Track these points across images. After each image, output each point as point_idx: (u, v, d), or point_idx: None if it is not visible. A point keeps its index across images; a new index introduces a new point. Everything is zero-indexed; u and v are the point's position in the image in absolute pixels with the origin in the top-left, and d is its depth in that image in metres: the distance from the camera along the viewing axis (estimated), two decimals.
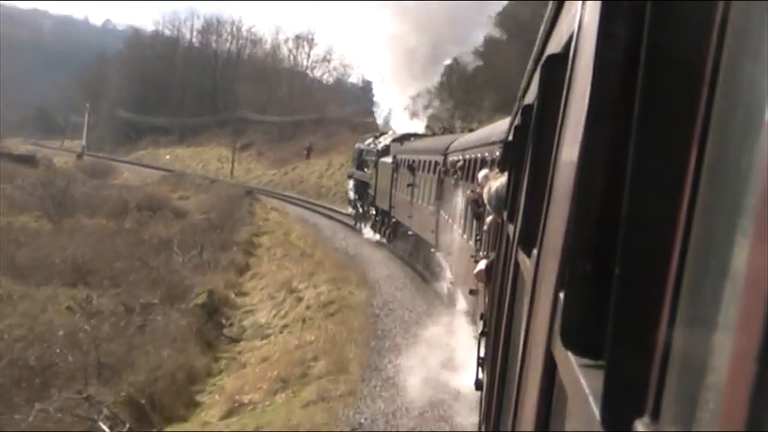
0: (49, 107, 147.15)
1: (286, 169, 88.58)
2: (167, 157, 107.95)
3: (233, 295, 33.74)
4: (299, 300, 30.35)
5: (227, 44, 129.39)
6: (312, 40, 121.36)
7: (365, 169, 45.71)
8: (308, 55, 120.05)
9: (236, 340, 28.55)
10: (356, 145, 51.44)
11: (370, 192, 43.50)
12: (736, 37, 0.98)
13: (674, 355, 1.04)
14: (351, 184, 49.93)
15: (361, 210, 47.29)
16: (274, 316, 29.93)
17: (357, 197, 47.83)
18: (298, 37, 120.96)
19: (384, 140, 43.63)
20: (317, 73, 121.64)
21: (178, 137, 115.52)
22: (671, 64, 1.12)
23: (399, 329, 25.20)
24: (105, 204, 56.59)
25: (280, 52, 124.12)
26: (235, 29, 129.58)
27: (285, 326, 28.28)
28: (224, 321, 30.03)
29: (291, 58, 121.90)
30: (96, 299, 31.25)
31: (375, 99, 66.66)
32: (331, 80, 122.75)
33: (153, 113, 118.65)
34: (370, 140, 47.88)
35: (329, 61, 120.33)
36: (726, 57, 1.00)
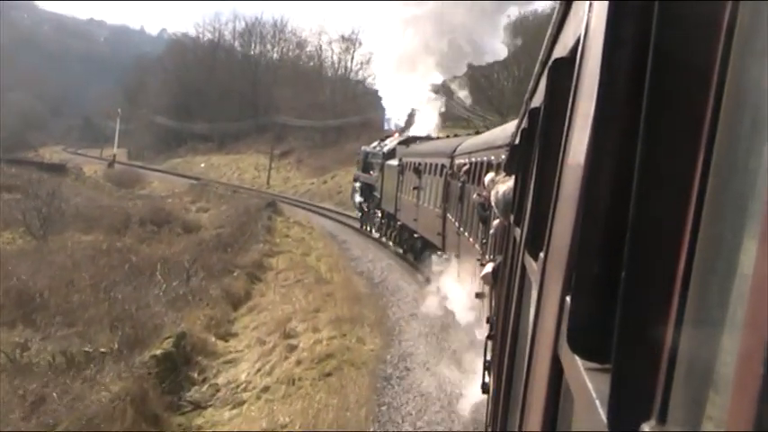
0: (95, 115, 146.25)
1: (325, 178, 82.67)
2: (202, 165, 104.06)
3: (213, 338, 25.33)
4: (292, 349, 23.19)
5: (269, 46, 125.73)
6: (357, 41, 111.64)
7: (371, 172, 45.84)
8: (353, 57, 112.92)
9: (200, 407, 20.51)
10: (362, 147, 51.66)
11: (376, 194, 43.59)
12: (744, 38, 0.97)
13: (681, 359, 1.03)
14: (357, 186, 50.05)
15: (368, 212, 47.43)
16: (258, 371, 22.31)
17: (363, 200, 47.95)
18: (343, 38, 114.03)
19: (390, 143, 43.71)
20: (362, 75, 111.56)
21: (217, 144, 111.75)
22: (679, 66, 1.12)
23: (413, 405, 18.00)
24: (104, 218, 50.11)
25: (323, 54, 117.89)
26: (277, 31, 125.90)
27: (266, 388, 20.88)
28: (196, 376, 22.23)
29: (335, 60, 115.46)
30: (38, 343, 23.81)
31: (383, 102, 65.41)
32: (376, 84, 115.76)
33: (193, 120, 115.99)
34: (375, 143, 48.03)
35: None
36: (734, 58, 1.00)
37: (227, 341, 25.81)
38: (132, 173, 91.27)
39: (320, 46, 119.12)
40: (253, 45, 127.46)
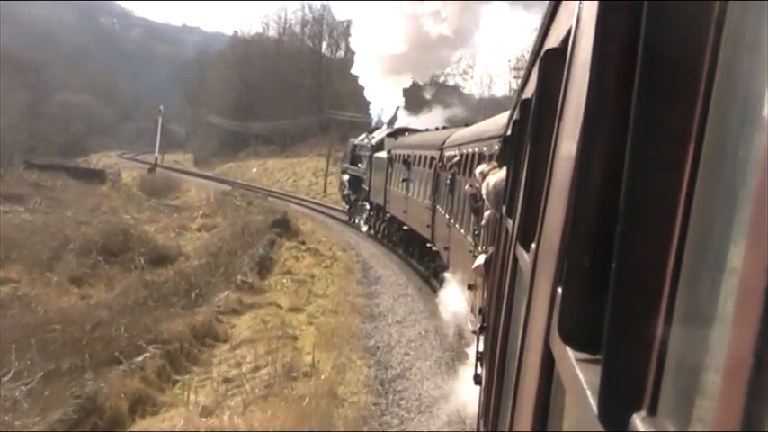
0: (168, 119, 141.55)
1: None
2: (254, 170, 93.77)
3: None
4: None
5: (336, 40, 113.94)
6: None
7: (359, 164, 45.83)
8: None
9: None
10: (350, 140, 51.62)
11: (365, 187, 43.59)
12: (733, 32, 0.98)
13: (672, 350, 1.04)
14: (345, 179, 50.01)
15: (355, 205, 47.45)
16: None
17: (351, 192, 47.97)
18: None
19: (378, 135, 43.69)
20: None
21: (279, 146, 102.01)
22: (669, 59, 1.12)
23: None
24: (37, 246, 35.86)
25: None
26: (344, 25, 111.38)
27: None
28: None
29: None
30: None
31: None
32: (452, 81, 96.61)
33: (255, 120, 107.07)
34: (363, 135, 48.04)
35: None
36: (723, 52, 1.00)
37: None
38: (170, 179, 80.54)
39: None
40: (322, 39, 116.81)
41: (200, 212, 52.30)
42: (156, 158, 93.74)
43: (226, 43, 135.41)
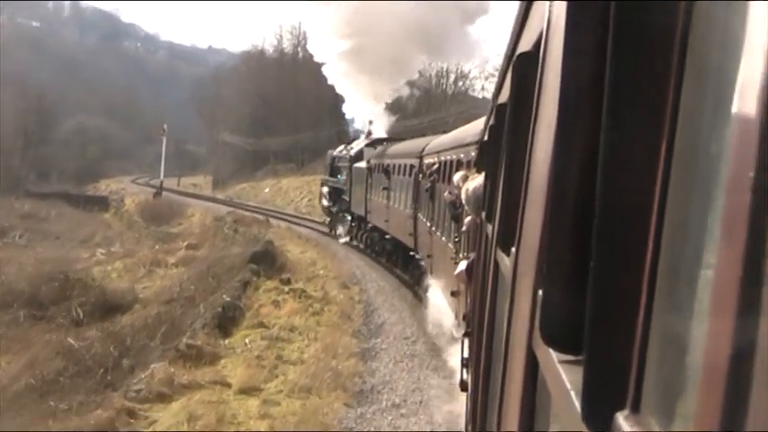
0: (190, 140, 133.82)
1: None
2: (266, 190, 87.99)
3: None
4: None
5: None
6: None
7: (338, 176, 45.80)
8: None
9: None
10: (328, 152, 51.58)
11: (345, 198, 43.55)
12: (701, 29, 0.98)
13: (653, 347, 1.04)
14: (324, 191, 49.94)
15: (336, 217, 47.32)
16: None
17: (331, 204, 47.89)
18: None
19: (357, 146, 43.68)
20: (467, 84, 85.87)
21: (297, 164, 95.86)
22: (638, 58, 1.12)
23: None
24: None
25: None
26: None
27: None
28: None
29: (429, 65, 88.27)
30: None
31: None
32: (475, 93, 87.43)
33: (274, 136, 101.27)
34: (342, 147, 48.04)
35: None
36: (692, 49, 1.01)
37: None
38: (175, 204, 75.08)
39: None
40: None
41: (186, 243, 44.89)
42: (162, 182, 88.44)
43: (241, 58, 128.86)
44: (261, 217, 57.82)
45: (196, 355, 20.63)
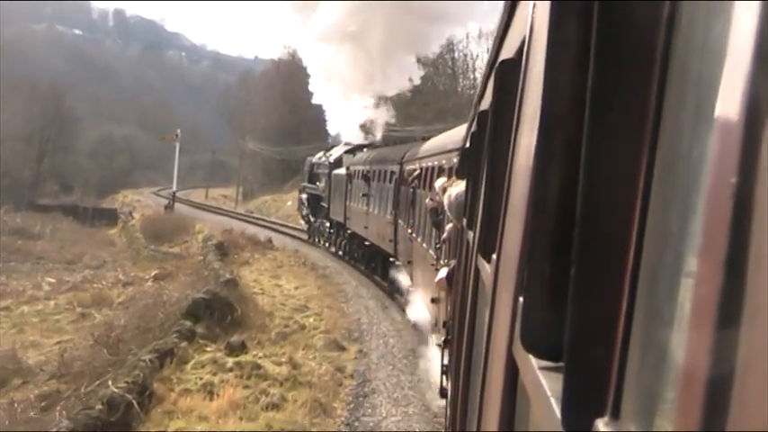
0: (225, 150, 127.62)
1: None
2: (288, 203, 78.35)
3: None
4: None
5: None
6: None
7: (317, 183, 45.67)
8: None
9: None
10: (307, 158, 51.33)
11: (324, 204, 43.42)
12: (684, 33, 0.99)
13: (633, 354, 1.04)
14: (303, 198, 49.72)
15: (314, 224, 47.16)
16: None
17: (310, 211, 47.73)
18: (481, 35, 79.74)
19: (336, 152, 43.58)
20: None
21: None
22: (621, 64, 1.13)
23: None
24: None
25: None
26: None
27: None
28: None
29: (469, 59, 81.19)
30: None
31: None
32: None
33: (303, 144, 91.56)
34: (321, 153, 47.86)
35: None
36: (674, 53, 1.01)
37: None
38: (183, 219, 66.61)
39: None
40: None
41: (154, 272, 34.96)
42: (174, 194, 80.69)
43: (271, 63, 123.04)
44: (266, 236, 49.77)
45: None
